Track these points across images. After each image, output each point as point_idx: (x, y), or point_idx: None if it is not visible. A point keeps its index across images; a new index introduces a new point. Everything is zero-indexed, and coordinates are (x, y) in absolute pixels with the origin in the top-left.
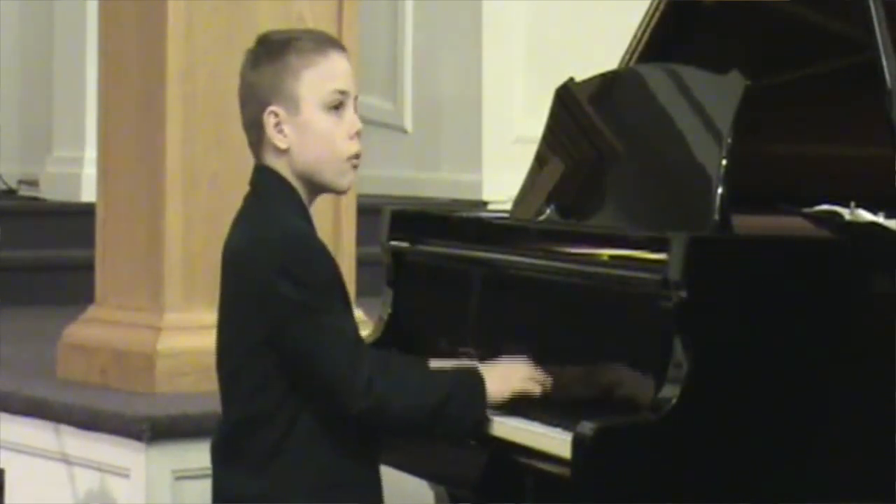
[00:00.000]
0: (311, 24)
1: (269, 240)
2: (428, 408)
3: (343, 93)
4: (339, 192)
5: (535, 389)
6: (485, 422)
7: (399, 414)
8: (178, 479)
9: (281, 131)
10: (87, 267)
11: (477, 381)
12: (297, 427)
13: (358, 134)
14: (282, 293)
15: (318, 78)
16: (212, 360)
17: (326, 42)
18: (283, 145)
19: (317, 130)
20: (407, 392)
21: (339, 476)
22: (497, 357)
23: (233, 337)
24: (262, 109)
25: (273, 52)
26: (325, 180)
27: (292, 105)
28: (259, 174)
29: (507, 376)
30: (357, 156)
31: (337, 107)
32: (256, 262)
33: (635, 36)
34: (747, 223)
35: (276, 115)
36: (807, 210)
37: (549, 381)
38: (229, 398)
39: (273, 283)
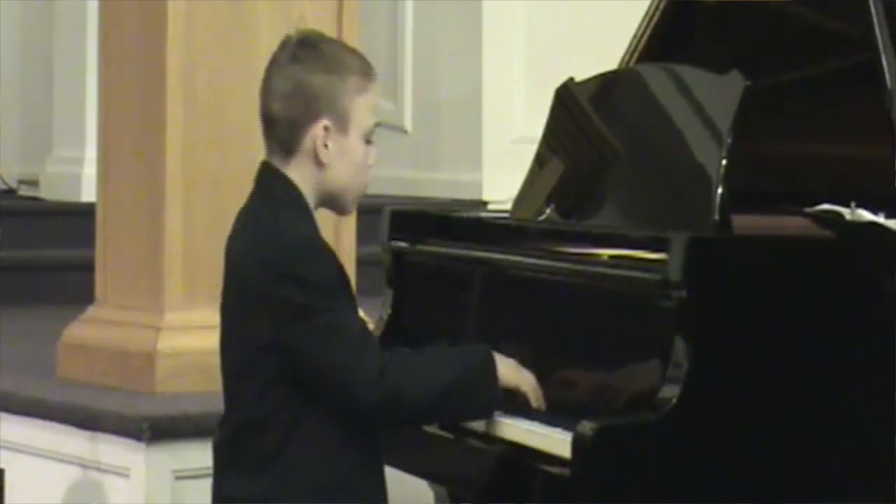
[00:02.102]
0: (311, 25)
1: (274, 249)
2: (441, 385)
3: (377, 126)
4: (341, 214)
5: (536, 397)
6: (497, 399)
7: (414, 398)
8: (178, 478)
9: (325, 146)
10: (87, 267)
11: (486, 357)
12: (299, 431)
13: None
14: (283, 296)
15: (368, 107)
16: (212, 360)
17: (372, 69)
18: (325, 160)
19: (354, 157)
20: (419, 374)
21: (342, 480)
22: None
23: (235, 340)
24: (314, 117)
25: (329, 62)
26: (343, 204)
27: (342, 125)
28: (270, 178)
29: (518, 368)
30: None
31: (369, 140)
32: (259, 269)
33: (635, 36)
34: (747, 223)
35: (327, 129)
36: (807, 210)
37: (543, 402)
38: (232, 400)
39: (275, 287)
